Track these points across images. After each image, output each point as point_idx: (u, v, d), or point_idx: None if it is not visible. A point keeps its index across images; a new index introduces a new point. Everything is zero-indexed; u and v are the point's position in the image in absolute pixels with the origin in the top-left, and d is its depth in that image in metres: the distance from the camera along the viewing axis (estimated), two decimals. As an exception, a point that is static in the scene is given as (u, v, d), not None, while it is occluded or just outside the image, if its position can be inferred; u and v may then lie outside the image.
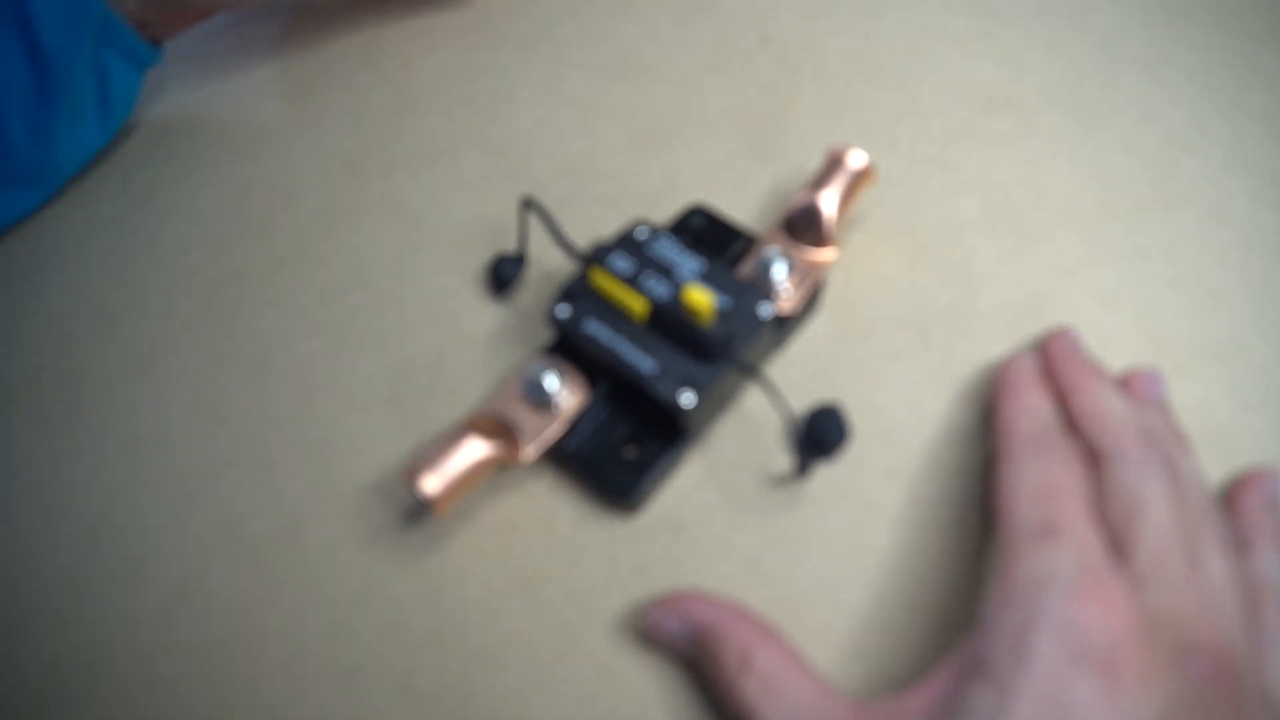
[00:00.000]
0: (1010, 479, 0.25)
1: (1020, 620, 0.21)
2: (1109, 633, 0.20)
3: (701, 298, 0.28)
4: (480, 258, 0.37)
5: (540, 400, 0.29)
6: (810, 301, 0.32)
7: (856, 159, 0.33)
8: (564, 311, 0.30)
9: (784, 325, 0.32)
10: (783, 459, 0.30)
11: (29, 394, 0.36)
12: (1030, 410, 0.28)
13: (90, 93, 0.36)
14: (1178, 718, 0.20)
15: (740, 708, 0.24)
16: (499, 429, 0.29)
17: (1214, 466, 0.29)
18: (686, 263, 0.30)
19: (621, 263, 0.30)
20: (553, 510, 0.30)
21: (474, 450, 0.28)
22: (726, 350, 0.28)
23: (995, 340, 0.32)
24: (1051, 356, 0.30)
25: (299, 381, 0.34)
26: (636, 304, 0.29)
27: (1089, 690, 0.20)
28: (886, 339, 0.33)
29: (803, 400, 0.31)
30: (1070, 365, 0.29)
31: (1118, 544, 0.23)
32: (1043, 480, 0.24)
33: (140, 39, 0.37)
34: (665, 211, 0.37)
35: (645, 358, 0.29)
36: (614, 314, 0.30)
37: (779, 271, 0.31)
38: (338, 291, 0.37)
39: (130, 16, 0.37)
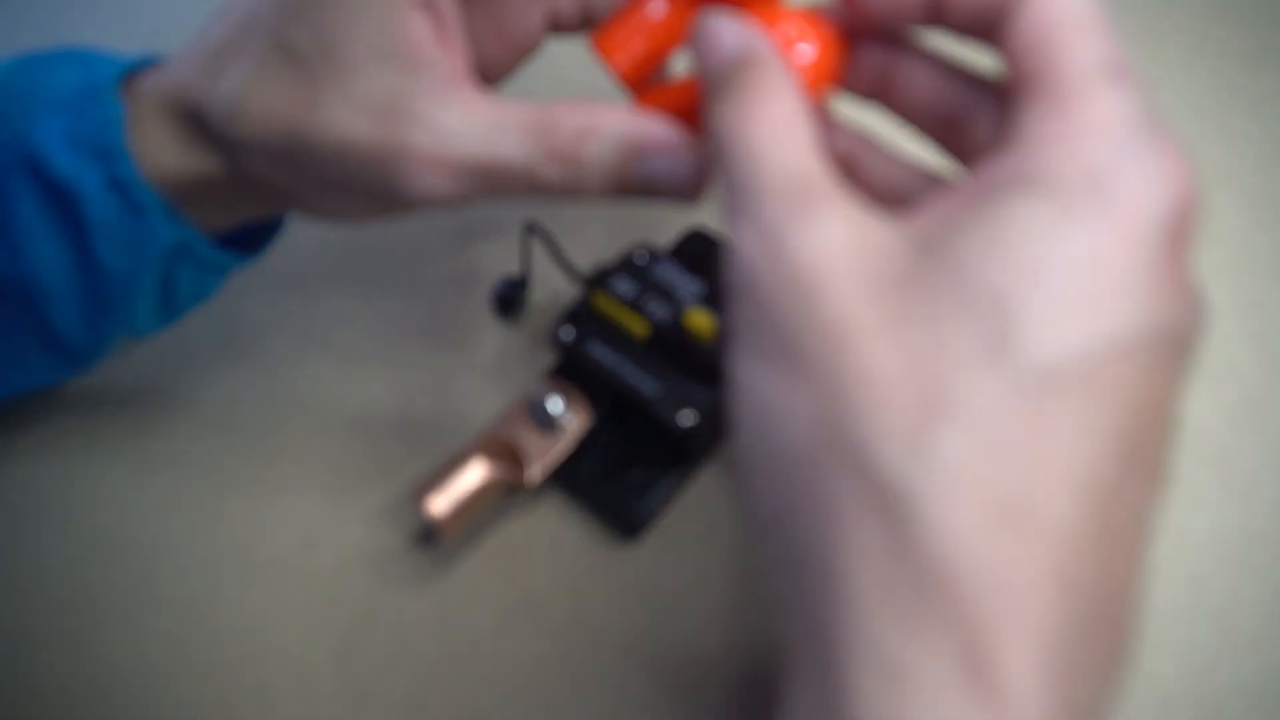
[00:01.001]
0: (1056, 10, 0.18)
1: (1098, 164, 0.16)
2: (1188, 198, 0.17)
3: (702, 320, 0.28)
4: (484, 281, 0.37)
5: (545, 423, 0.30)
6: (809, 323, 0.33)
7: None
8: (568, 334, 0.31)
9: (784, 347, 0.32)
10: (784, 479, 0.31)
11: (42, 413, 0.36)
12: None
13: (153, 298, 0.29)
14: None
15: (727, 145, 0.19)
16: (505, 452, 0.30)
17: (1207, 484, 0.29)
18: (687, 285, 0.31)
19: (623, 286, 0.31)
20: (558, 534, 0.30)
21: (480, 473, 0.29)
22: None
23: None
24: None
25: (306, 404, 0.35)
26: (638, 326, 0.30)
27: (1174, 249, 0.16)
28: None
29: (803, 421, 0.32)
30: None
31: None
32: (1093, 9, 0.18)
33: (220, 251, 0.28)
34: (665, 235, 0.37)
35: (648, 379, 0.29)
36: (617, 336, 0.30)
37: (778, 294, 0.32)
38: (344, 315, 0.37)
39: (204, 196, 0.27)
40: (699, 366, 0.29)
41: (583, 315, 0.31)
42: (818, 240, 0.17)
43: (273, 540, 0.32)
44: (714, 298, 0.31)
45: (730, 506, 0.30)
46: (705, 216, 0.38)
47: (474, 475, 0.29)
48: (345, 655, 0.29)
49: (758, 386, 0.17)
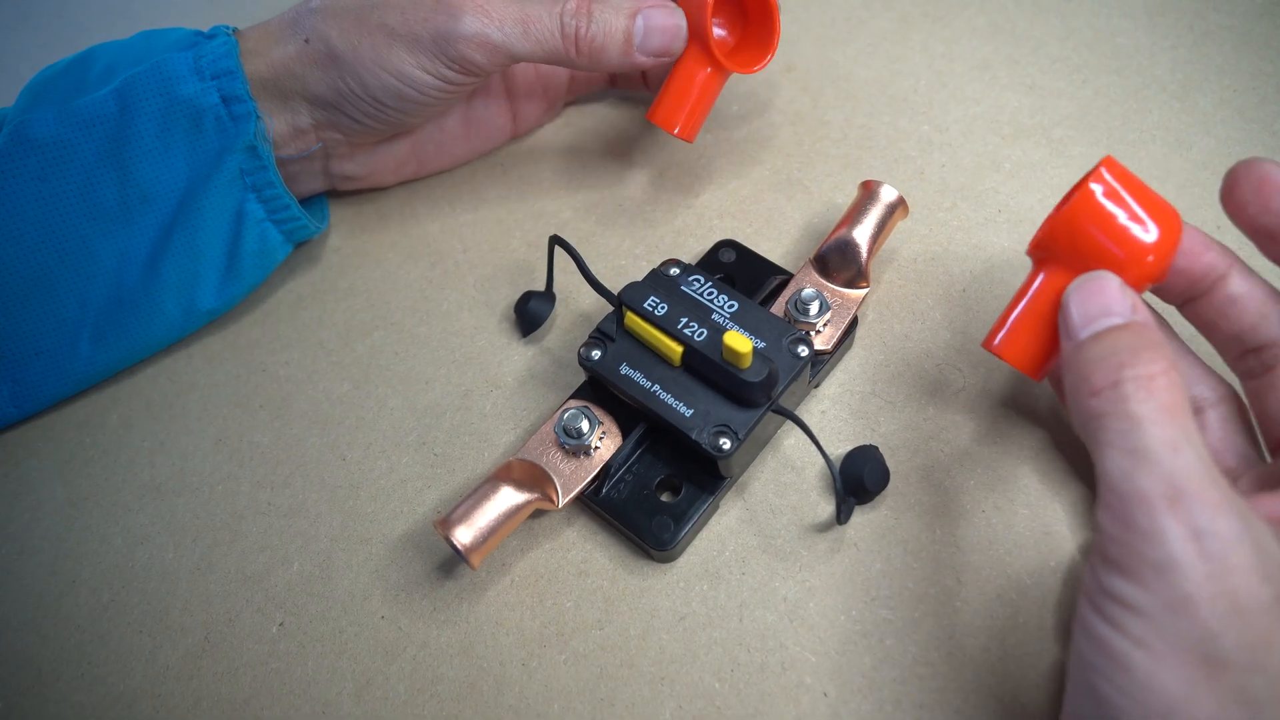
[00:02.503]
0: None
1: None
2: None
3: (741, 343, 0.27)
4: (506, 296, 0.36)
5: (573, 446, 0.29)
6: (844, 338, 0.32)
7: (888, 194, 0.32)
8: (596, 355, 0.29)
9: (819, 363, 0.31)
10: (821, 500, 0.30)
11: (48, 437, 0.35)
12: None
13: (220, 238, 0.34)
14: None
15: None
16: (532, 476, 0.29)
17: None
18: (719, 302, 0.30)
19: (654, 304, 0.30)
20: (588, 558, 0.29)
21: (507, 499, 0.28)
22: (766, 395, 0.28)
23: (1033, 376, 0.32)
24: None
25: (322, 423, 0.34)
26: (670, 346, 0.29)
27: None
28: (922, 374, 0.32)
29: (839, 437, 0.31)
30: None
31: None
32: None
33: (285, 191, 0.34)
34: (695, 247, 0.36)
35: (680, 402, 0.28)
36: (647, 357, 0.29)
37: (814, 309, 0.31)
38: (360, 331, 0.36)
39: (295, 138, 0.34)
40: (734, 387, 0.28)
41: (611, 335, 0.30)
42: (1245, 550, 0.18)
43: (289, 566, 0.31)
44: (747, 314, 0.29)
45: (763, 530, 0.29)
46: (734, 227, 0.37)
47: (501, 501, 0.28)
48: (367, 688, 0.28)
49: (1169, 685, 0.18)
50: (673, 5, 0.33)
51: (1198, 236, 0.25)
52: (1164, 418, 0.20)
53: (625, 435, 0.30)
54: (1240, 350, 0.25)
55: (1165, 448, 0.19)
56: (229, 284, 0.35)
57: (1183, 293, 0.26)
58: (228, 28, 0.34)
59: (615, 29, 0.32)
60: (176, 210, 0.33)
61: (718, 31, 0.36)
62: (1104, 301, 0.22)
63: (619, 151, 0.40)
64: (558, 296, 0.35)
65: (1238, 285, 0.25)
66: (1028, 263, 0.34)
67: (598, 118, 0.42)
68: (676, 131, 0.34)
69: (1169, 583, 0.18)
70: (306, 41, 0.32)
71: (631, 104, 0.42)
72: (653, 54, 0.33)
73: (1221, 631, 0.18)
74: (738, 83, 0.41)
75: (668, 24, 0.33)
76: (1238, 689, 0.18)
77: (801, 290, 0.31)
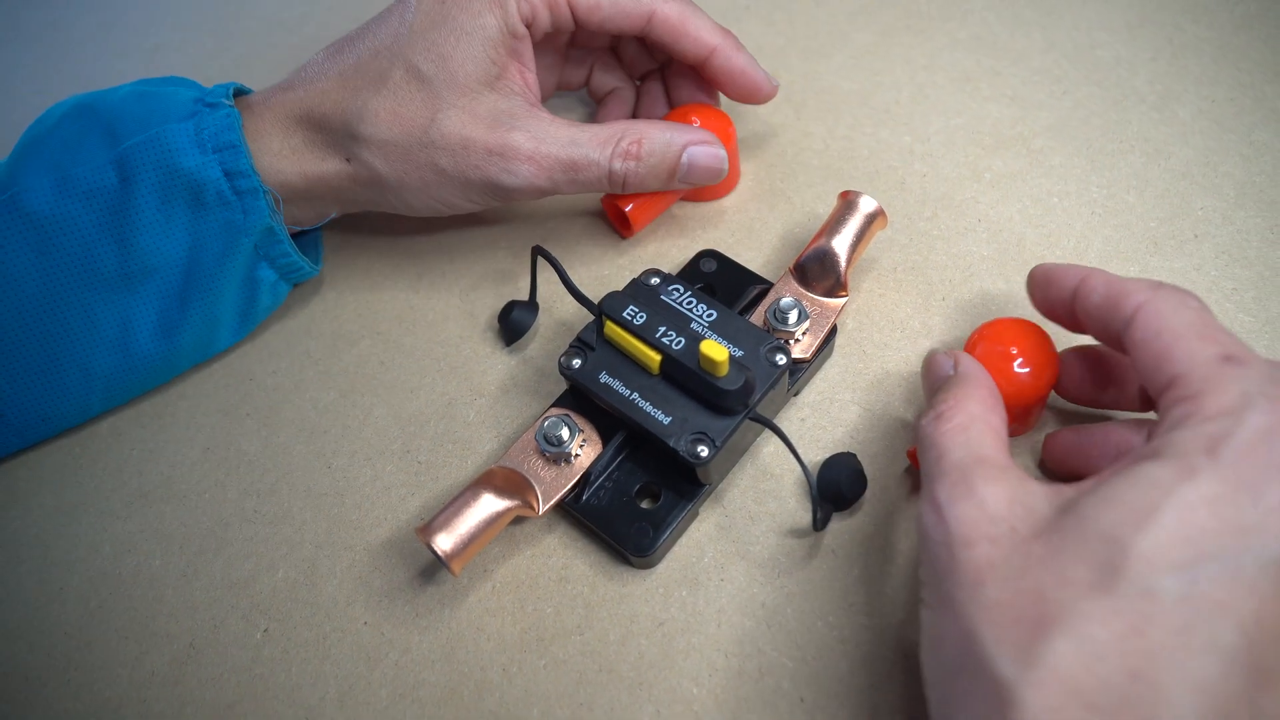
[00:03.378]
0: (1159, 320, 0.23)
1: (1214, 433, 0.20)
2: None
3: (717, 351, 0.27)
4: (490, 305, 0.36)
5: (554, 454, 0.29)
6: (823, 346, 0.32)
7: (867, 204, 0.33)
8: (576, 364, 0.30)
9: (798, 371, 0.32)
10: (799, 507, 0.30)
11: (37, 445, 0.35)
12: (1116, 278, 0.25)
13: (234, 304, 0.34)
14: None
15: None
16: (513, 483, 0.29)
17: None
18: (698, 311, 0.30)
19: (633, 313, 0.30)
20: (568, 565, 0.30)
21: (488, 506, 0.28)
22: (743, 402, 0.28)
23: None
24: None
25: (308, 432, 0.34)
26: (649, 355, 0.29)
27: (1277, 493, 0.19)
28: (901, 382, 0.32)
29: (817, 445, 0.31)
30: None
31: None
32: (1194, 316, 0.23)
33: (298, 255, 0.34)
34: (677, 257, 0.37)
35: (659, 410, 0.29)
36: (627, 366, 0.30)
37: (792, 317, 0.31)
38: (345, 341, 0.36)
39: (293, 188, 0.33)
40: (712, 396, 0.28)
41: (591, 344, 0.30)
42: (973, 504, 0.22)
43: (274, 572, 0.31)
44: (726, 324, 0.30)
45: (741, 537, 0.30)
46: (715, 237, 0.37)
47: (482, 508, 0.28)
48: (349, 693, 0.28)
49: (928, 623, 0.22)
50: (714, 138, 0.34)
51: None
52: (941, 455, 0.24)
53: (605, 443, 0.30)
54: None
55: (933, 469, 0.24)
56: (241, 330, 0.36)
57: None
58: (227, 95, 0.33)
59: (663, 169, 0.33)
60: (184, 281, 0.33)
61: None
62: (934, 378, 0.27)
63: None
64: (541, 306, 0.36)
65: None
66: (1006, 271, 0.35)
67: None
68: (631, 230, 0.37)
69: (926, 549, 0.22)
70: (348, 160, 0.32)
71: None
72: (690, 185, 0.34)
73: (946, 572, 0.21)
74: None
75: (712, 164, 0.34)
76: (959, 616, 0.21)
77: (780, 299, 0.31)
